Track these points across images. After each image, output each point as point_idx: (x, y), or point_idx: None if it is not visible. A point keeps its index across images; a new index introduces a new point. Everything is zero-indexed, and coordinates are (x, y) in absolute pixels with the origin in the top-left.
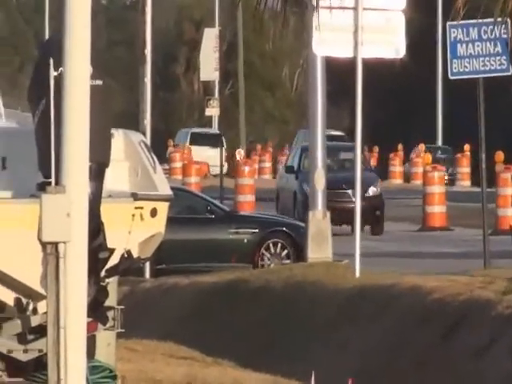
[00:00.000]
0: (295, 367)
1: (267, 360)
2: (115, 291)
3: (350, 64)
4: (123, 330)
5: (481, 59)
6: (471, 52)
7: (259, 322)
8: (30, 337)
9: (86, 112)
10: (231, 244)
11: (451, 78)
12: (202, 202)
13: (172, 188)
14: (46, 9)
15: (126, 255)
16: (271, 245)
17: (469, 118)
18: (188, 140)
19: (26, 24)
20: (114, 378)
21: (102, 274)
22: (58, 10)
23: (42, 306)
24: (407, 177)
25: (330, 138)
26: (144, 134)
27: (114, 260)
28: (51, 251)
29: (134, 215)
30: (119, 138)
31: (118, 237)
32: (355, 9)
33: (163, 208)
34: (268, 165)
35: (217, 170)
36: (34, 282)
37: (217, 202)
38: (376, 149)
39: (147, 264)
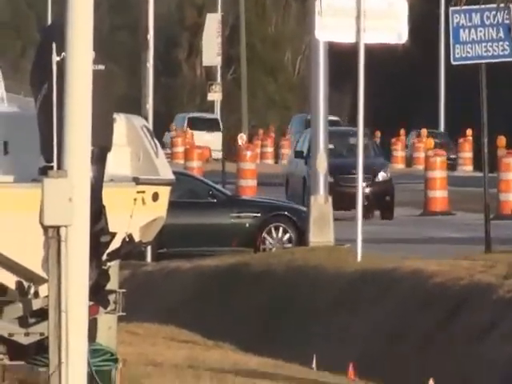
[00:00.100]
0: (296, 351)
1: (268, 344)
2: (116, 275)
3: (352, 49)
4: (124, 314)
5: (483, 44)
6: (474, 37)
7: (260, 306)
8: (32, 320)
9: (88, 97)
10: (233, 228)
11: (454, 63)
12: (204, 187)
13: (174, 172)
14: None
15: (127, 239)
16: (273, 229)
17: (471, 102)
18: (185, 124)
19: (28, 8)
20: (115, 361)
21: (104, 257)
22: None
23: (43, 290)
24: (409, 161)
25: None
26: (146, 118)
27: (115, 244)
28: (53, 235)
29: (135, 199)
30: (121, 123)
31: (119, 221)
32: None
33: (165, 192)
34: (270, 149)
35: (214, 155)
36: (35, 265)
37: (219, 187)
38: (378, 134)
39: (149, 248)
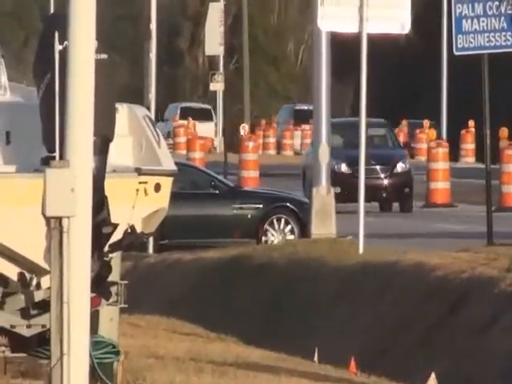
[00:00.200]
0: (298, 344)
1: (270, 336)
2: (118, 266)
3: (355, 39)
4: (126, 306)
5: (486, 35)
6: (476, 28)
7: (262, 298)
8: (34, 312)
9: (91, 86)
10: (235, 219)
11: (456, 53)
12: (206, 178)
13: (176, 163)
14: None
15: (129, 230)
16: (275, 220)
17: (473, 93)
18: (178, 114)
19: None
20: (117, 353)
21: (106, 248)
22: None
23: (45, 281)
24: (411, 153)
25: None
26: (148, 108)
27: (117, 235)
28: (55, 226)
29: (137, 190)
30: (124, 113)
31: (121, 212)
32: None
33: (167, 183)
34: (272, 140)
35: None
36: (37, 256)
37: (221, 178)
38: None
39: (151, 239)
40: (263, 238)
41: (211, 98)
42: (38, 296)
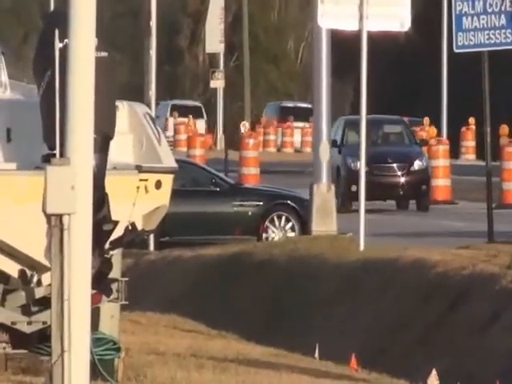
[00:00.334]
0: (299, 340)
1: (271, 333)
2: (119, 263)
3: (355, 37)
4: (127, 302)
5: (486, 32)
6: (476, 25)
7: (263, 295)
8: (34, 309)
9: (91, 84)
10: (235, 217)
11: (456, 51)
12: (207, 175)
13: (177, 160)
14: None
15: (130, 227)
16: (275, 217)
17: (473, 91)
18: (168, 112)
19: None
20: (118, 350)
21: (107, 246)
22: None
23: (46, 278)
24: None
25: (297, 110)
26: (148, 106)
27: (118, 232)
28: (55, 223)
29: (138, 187)
30: (124, 110)
31: (122, 209)
32: None
33: (168, 180)
34: (272, 137)
35: None
36: (38, 253)
37: (221, 175)
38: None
39: (151, 236)
40: (264, 235)
41: (211, 96)
42: (39, 293)
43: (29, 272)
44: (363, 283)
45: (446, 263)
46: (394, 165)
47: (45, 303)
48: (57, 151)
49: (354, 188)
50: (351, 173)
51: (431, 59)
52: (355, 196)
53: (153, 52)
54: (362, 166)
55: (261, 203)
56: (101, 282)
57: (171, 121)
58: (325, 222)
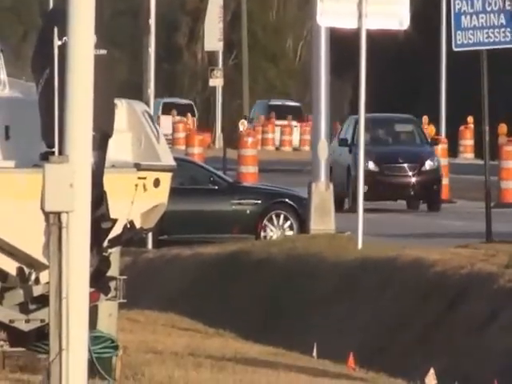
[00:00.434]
0: (297, 339)
1: (269, 332)
2: (117, 261)
3: (354, 35)
4: (125, 301)
5: (485, 31)
6: (475, 24)
7: (261, 294)
8: (32, 307)
9: (90, 82)
10: (234, 215)
11: (455, 49)
12: (205, 173)
13: (175, 158)
14: None
15: (128, 225)
16: (274, 216)
17: (472, 89)
18: (160, 110)
19: None
20: (116, 348)
21: (105, 244)
22: None
23: (44, 276)
24: None
25: (284, 108)
26: (147, 104)
27: (116, 230)
28: (54, 221)
29: (136, 185)
30: (123, 108)
31: (120, 207)
32: None
33: (166, 178)
34: (271, 136)
35: None
36: (36, 251)
37: (220, 173)
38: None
39: (150, 234)
40: (262, 234)
41: (210, 94)
42: (37, 291)
43: (27, 270)
44: (361, 282)
45: (445, 262)
46: (405, 165)
47: (43, 301)
48: (55, 149)
49: (364, 188)
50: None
51: (430, 58)
52: (366, 196)
53: (152, 50)
54: (360, 164)
55: (259, 202)
56: (99, 281)
57: (163, 119)
58: (323, 220)
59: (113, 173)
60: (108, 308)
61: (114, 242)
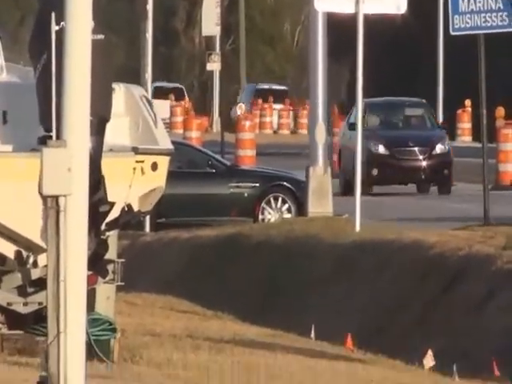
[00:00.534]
0: (295, 321)
1: (267, 313)
2: (115, 245)
3: (351, 19)
4: (123, 284)
5: (482, 15)
6: (473, 8)
7: (259, 276)
8: (30, 290)
9: (88, 66)
10: (232, 198)
11: (452, 33)
12: (203, 157)
13: (173, 142)
14: None
15: (126, 209)
16: (272, 199)
17: (470, 73)
18: (151, 94)
19: None
20: (114, 331)
21: (103, 227)
22: None
23: (42, 259)
24: None
25: (271, 91)
26: (145, 88)
27: (114, 213)
28: (52, 205)
29: (134, 169)
30: (120, 93)
31: (118, 190)
32: None
33: (164, 162)
34: (269, 119)
35: None
36: (34, 235)
37: (218, 157)
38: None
39: (147, 218)
40: (260, 217)
41: (208, 78)
42: (35, 274)
43: (25, 253)
44: (359, 263)
45: (443, 244)
46: (416, 148)
47: (41, 284)
48: (53, 133)
49: (374, 172)
50: (372, 156)
51: (428, 42)
52: (376, 180)
53: (149, 35)
54: (358, 148)
55: (257, 185)
56: (97, 264)
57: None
58: (321, 203)
59: (111, 157)
60: (106, 291)
61: (111, 225)
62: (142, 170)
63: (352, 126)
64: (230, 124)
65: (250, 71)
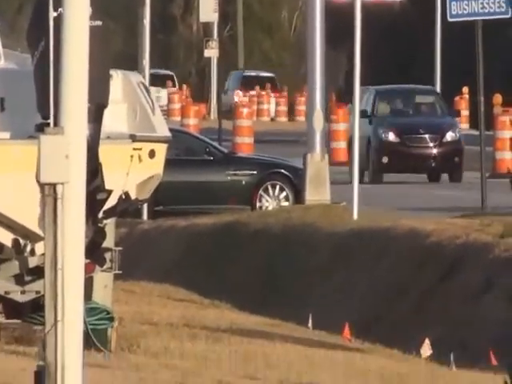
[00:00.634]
0: (293, 310)
1: (265, 302)
2: (113, 232)
3: (349, 6)
4: (120, 272)
5: (480, 1)
6: None
7: (257, 264)
8: (28, 278)
9: (85, 53)
10: (229, 186)
11: (450, 20)
12: (201, 144)
13: (170, 129)
14: None
15: (123, 196)
16: (269, 187)
17: (467, 60)
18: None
19: None
20: (111, 319)
21: (100, 215)
22: None
23: (39, 247)
24: None
25: (259, 79)
26: (143, 75)
27: (111, 201)
28: (49, 192)
29: (132, 156)
30: (118, 79)
31: (116, 178)
32: None
33: (161, 149)
34: (266, 107)
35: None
36: (31, 223)
37: (215, 144)
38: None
39: (145, 205)
40: (258, 205)
41: (206, 65)
42: (32, 262)
43: (22, 241)
44: (357, 251)
45: (440, 232)
46: (426, 136)
47: (38, 273)
48: (51, 120)
49: (384, 159)
50: (382, 144)
51: (425, 28)
52: (386, 168)
53: (147, 22)
54: (355, 136)
55: (255, 172)
56: (94, 252)
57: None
58: (318, 191)
59: (108, 144)
60: (103, 279)
61: (109, 213)
62: (139, 157)
63: (362, 114)
64: (225, 111)
65: (248, 58)
